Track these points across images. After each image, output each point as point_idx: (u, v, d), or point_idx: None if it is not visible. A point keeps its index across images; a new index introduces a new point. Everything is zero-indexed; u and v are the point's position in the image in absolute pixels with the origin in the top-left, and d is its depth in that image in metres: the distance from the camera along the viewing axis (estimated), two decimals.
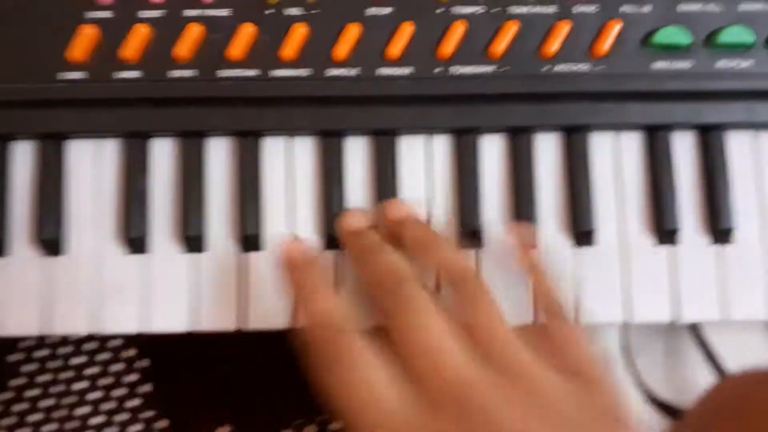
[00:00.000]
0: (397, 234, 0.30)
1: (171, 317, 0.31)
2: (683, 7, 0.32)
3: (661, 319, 0.31)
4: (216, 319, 0.31)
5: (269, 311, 0.31)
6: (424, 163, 0.32)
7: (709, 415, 0.16)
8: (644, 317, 0.31)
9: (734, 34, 0.31)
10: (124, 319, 0.31)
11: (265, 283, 0.31)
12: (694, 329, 0.37)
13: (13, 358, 0.37)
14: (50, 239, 0.31)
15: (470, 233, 0.31)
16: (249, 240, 0.31)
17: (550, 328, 0.27)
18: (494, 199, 0.32)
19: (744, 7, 0.32)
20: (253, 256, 0.31)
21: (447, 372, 0.24)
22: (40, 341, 0.37)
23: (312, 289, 0.28)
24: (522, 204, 0.31)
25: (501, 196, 0.32)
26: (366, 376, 0.25)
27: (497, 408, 0.23)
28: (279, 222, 0.31)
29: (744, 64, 0.31)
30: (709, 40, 0.31)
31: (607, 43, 0.31)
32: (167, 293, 0.31)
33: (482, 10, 0.31)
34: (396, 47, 0.31)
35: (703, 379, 0.36)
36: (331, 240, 0.31)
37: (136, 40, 0.30)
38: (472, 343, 0.25)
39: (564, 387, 0.25)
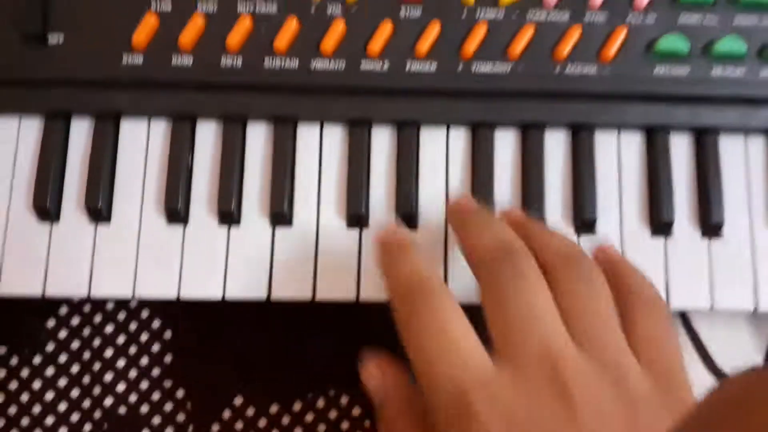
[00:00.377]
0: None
1: (202, 285, 0.33)
2: (684, 18, 0.34)
3: None
4: (244, 288, 0.32)
5: (295, 282, 0.33)
6: (444, 153, 0.34)
7: (713, 415, 0.16)
8: None
9: (729, 45, 0.33)
10: (161, 284, 0.33)
11: (290, 255, 0.33)
12: (686, 323, 0.38)
13: (50, 323, 0.39)
14: (99, 207, 0.33)
15: None
16: (279, 216, 0.33)
17: (641, 320, 0.26)
18: (506, 188, 0.34)
19: (738, 20, 0.34)
20: (280, 231, 0.33)
21: (544, 342, 0.23)
22: (76, 308, 0.39)
23: (405, 255, 0.28)
24: (531, 194, 0.33)
25: (512, 186, 0.34)
26: (454, 326, 0.24)
27: (583, 387, 0.23)
28: (308, 201, 0.33)
29: (737, 72, 0.34)
30: (706, 49, 0.34)
31: (613, 48, 0.33)
32: (201, 262, 0.33)
33: (503, 14, 0.34)
34: (424, 44, 0.33)
35: (696, 372, 0.37)
36: (355, 219, 0.33)
37: (192, 29, 0.33)
38: (574, 321, 0.24)
39: (649, 384, 0.24)
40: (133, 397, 0.37)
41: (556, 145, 0.34)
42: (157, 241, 0.33)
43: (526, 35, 0.34)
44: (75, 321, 0.38)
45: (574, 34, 0.34)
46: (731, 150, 0.34)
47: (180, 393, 0.37)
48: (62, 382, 0.37)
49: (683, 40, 0.34)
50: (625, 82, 0.33)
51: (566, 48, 0.33)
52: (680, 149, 0.34)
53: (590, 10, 0.34)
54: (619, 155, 0.34)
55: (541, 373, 0.23)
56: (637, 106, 0.34)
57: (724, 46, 0.34)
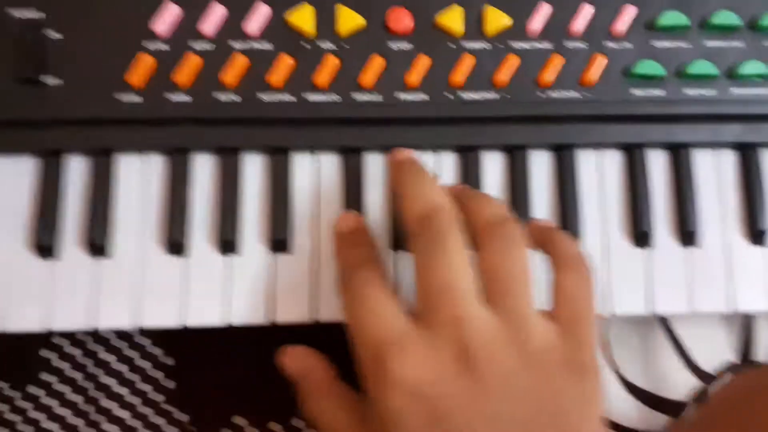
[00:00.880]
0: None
1: (206, 313, 0.33)
2: (658, 44, 0.36)
3: (636, 312, 0.34)
4: (246, 313, 0.33)
5: (295, 306, 0.34)
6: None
7: (720, 411, 0.18)
8: (622, 310, 0.34)
9: (700, 67, 0.35)
10: (164, 314, 0.33)
11: (292, 280, 0.34)
12: (666, 325, 0.40)
13: (46, 353, 0.39)
14: (99, 243, 0.33)
15: None
16: (278, 243, 0.34)
17: (560, 278, 0.28)
18: None
19: (709, 44, 0.36)
20: (281, 257, 0.34)
21: (455, 306, 0.26)
22: (75, 339, 0.39)
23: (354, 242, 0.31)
24: (519, 212, 0.35)
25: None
26: (378, 292, 0.27)
27: (487, 348, 0.25)
28: (305, 227, 0.34)
29: (709, 92, 0.36)
30: (680, 71, 0.36)
31: (594, 73, 0.35)
32: (203, 291, 0.34)
33: (489, 45, 0.35)
34: (414, 76, 0.34)
35: (676, 372, 0.39)
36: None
37: (188, 67, 0.34)
38: (490, 283, 0.26)
39: (553, 337, 0.26)
40: (136, 423, 0.37)
41: (541, 165, 0.36)
42: (158, 273, 0.34)
43: (511, 64, 0.35)
44: (73, 350, 0.39)
45: (557, 62, 0.35)
46: (704, 164, 0.36)
47: (183, 417, 0.38)
48: (64, 412, 0.38)
49: (658, 64, 0.36)
50: (605, 105, 0.35)
51: (550, 75, 0.35)
52: (657, 165, 0.36)
53: (570, 39, 0.36)
54: (601, 172, 0.36)
55: (449, 337, 0.25)
56: (616, 127, 0.35)
57: (696, 69, 0.36)
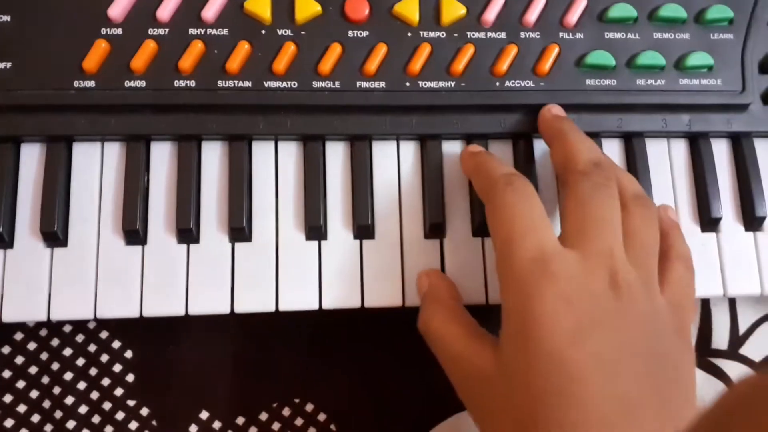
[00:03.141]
0: None
1: (169, 302, 0.33)
2: (609, 35, 0.37)
3: None
4: (208, 302, 0.33)
5: (257, 295, 0.34)
6: (395, 164, 0.36)
7: (724, 416, 0.17)
8: None
9: (649, 58, 0.36)
10: (122, 304, 0.33)
11: (249, 269, 0.34)
12: None
13: (5, 350, 0.38)
14: (54, 231, 0.33)
15: (435, 226, 0.35)
16: (238, 232, 0.34)
17: (672, 266, 0.31)
18: (457, 195, 0.36)
19: (657, 36, 0.37)
20: (240, 246, 0.34)
21: (608, 243, 0.29)
22: (32, 333, 0.38)
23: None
24: (478, 199, 0.35)
25: (461, 194, 0.36)
26: (539, 211, 0.30)
27: (628, 285, 0.28)
28: (267, 215, 0.35)
29: (658, 82, 0.37)
30: (630, 62, 0.37)
31: (547, 63, 0.36)
32: (164, 280, 0.33)
33: (444, 35, 0.36)
34: (372, 64, 0.35)
35: None
36: (313, 231, 0.34)
37: (144, 53, 0.34)
38: (630, 242, 0.30)
39: (666, 307, 0.29)
40: (96, 419, 0.37)
41: (500, 154, 0.37)
42: (116, 262, 0.34)
43: (467, 53, 0.36)
44: (31, 345, 0.38)
45: (511, 52, 0.36)
46: (655, 151, 0.38)
47: (144, 411, 0.37)
48: (22, 408, 0.37)
49: (610, 54, 0.37)
50: (559, 94, 0.36)
51: (504, 64, 0.36)
52: (611, 152, 0.37)
53: (524, 29, 0.37)
54: None
55: (602, 263, 0.28)
56: (571, 116, 0.36)
57: (645, 59, 0.37)
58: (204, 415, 0.37)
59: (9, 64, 0.33)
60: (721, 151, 0.38)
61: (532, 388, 0.26)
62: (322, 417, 0.38)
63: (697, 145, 0.38)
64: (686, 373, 0.29)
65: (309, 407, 0.37)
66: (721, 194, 0.37)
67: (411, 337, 0.34)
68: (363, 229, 0.35)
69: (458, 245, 0.35)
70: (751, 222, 0.37)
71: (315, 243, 0.35)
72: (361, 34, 0.36)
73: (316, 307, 0.34)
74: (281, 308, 0.34)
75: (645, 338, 0.28)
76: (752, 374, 0.19)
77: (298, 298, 0.34)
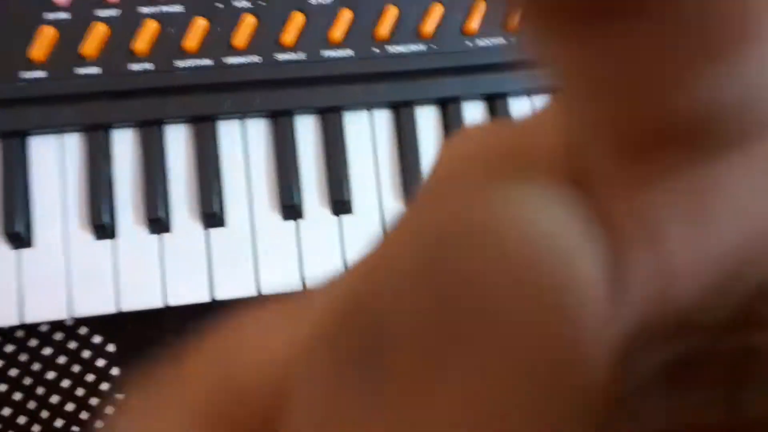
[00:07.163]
0: None
1: (143, 295, 0.32)
2: None
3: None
4: (186, 292, 0.32)
5: (237, 281, 0.33)
6: (370, 136, 0.35)
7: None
8: None
9: None
10: (98, 301, 0.32)
11: (226, 255, 0.33)
12: None
13: None
14: (18, 231, 0.32)
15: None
16: (210, 217, 0.33)
17: None
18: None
19: None
20: (214, 232, 0.33)
21: None
22: (8, 335, 0.37)
23: None
24: None
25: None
26: None
27: None
28: (239, 197, 0.34)
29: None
30: None
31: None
32: (139, 272, 0.32)
33: None
34: (337, 32, 0.34)
35: None
36: (289, 210, 0.34)
37: (94, 37, 0.32)
38: None
39: None
40: (84, 415, 0.36)
41: (476, 116, 0.36)
42: (87, 258, 0.32)
43: (436, 13, 0.34)
44: (9, 348, 0.37)
45: (480, 7, 0.35)
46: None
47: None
48: (6, 411, 0.36)
49: None
50: None
51: (474, 22, 0.35)
52: None
53: None
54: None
55: None
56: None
57: None
58: None
59: None
60: None
61: None
62: None
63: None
64: None
65: None
66: None
67: None
68: (340, 205, 0.34)
69: None
70: None
71: (292, 222, 0.34)
72: (323, 0, 0.34)
73: (299, 288, 0.33)
74: (263, 292, 0.33)
75: None
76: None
77: (280, 280, 0.33)
